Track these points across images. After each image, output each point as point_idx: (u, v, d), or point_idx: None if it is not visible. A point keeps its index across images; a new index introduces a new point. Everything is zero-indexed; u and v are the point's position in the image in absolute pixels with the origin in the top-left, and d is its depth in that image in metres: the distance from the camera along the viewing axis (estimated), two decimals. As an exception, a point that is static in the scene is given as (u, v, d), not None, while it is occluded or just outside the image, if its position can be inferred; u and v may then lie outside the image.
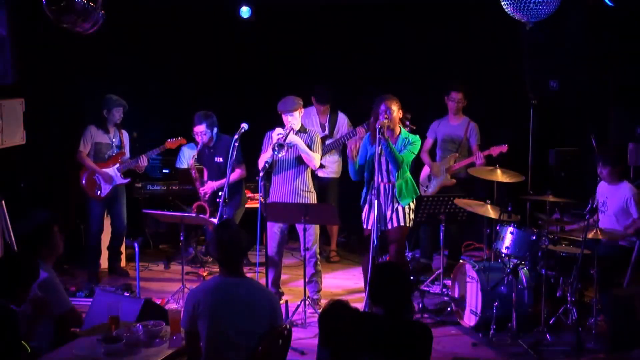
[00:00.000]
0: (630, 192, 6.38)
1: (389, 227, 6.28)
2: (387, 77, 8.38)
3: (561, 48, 7.71)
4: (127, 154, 7.67)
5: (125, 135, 7.69)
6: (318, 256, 6.73)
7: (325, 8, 8.71)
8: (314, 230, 6.57)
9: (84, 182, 7.52)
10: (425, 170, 7.83)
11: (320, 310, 3.75)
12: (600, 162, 6.50)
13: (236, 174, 7.04)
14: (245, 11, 8.62)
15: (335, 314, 3.65)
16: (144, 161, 7.56)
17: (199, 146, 7.26)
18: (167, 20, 8.55)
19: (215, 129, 7.13)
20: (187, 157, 8.16)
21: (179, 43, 8.78)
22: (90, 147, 7.51)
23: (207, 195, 7.29)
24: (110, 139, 7.59)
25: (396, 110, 6.23)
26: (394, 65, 8.62)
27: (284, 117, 6.57)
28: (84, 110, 8.05)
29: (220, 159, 7.10)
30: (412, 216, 6.38)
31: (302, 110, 6.73)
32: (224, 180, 6.66)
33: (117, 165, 7.56)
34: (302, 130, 6.63)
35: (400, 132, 6.34)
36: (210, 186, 7.27)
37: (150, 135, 8.25)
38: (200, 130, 7.09)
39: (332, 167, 8.14)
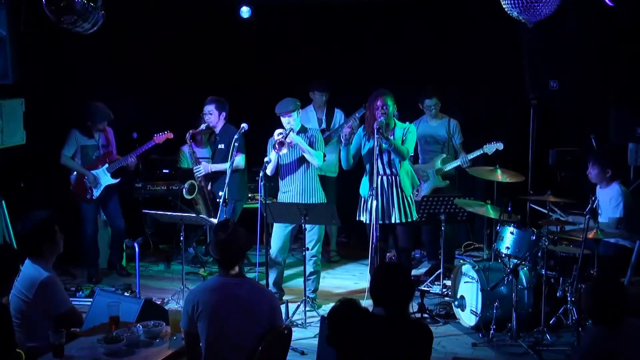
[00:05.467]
0: (617, 192, 6.37)
1: (396, 220, 6.31)
2: (386, 76, 8.37)
3: (561, 48, 7.69)
4: (114, 151, 7.63)
5: (110, 132, 7.63)
6: (319, 255, 6.73)
7: (325, 8, 8.71)
8: (317, 230, 6.58)
9: (73, 186, 7.51)
10: None
11: (330, 309, 3.69)
12: (590, 162, 6.51)
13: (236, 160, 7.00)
14: (245, 11, 8.64)
15: (346, 314, 3.58)
16: (133, 159, 7.54)
17: (204, 127, 7.40)
18: (167, 20, 8.55)
19: (223, 114, 7.20)
20: (188, 157, 8.16)
21: (179, 43, 8.78)
22: (75, 150, 7.47)
23: (200, 173, 7.40)
24: (95, 140, 7.54)
25: (392, 105, 6.26)
26: (394, 64, 8.61)
27: (282, 120, 6.56)
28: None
29: (222, 146, 7.19)
30: (413, 208, 6.44)
31: (300, 111, 6.74)
32: (220, 165, 7.03)
33: (106, 165, 7.53)
34: (302, 130, 6.63)
35: (395, 124, 6.38)
36: (205, 166, 7.36)
37: (149, 135, 8.24)
38: (208, 110, 7.15)
39: (331, 166, 8.13)
